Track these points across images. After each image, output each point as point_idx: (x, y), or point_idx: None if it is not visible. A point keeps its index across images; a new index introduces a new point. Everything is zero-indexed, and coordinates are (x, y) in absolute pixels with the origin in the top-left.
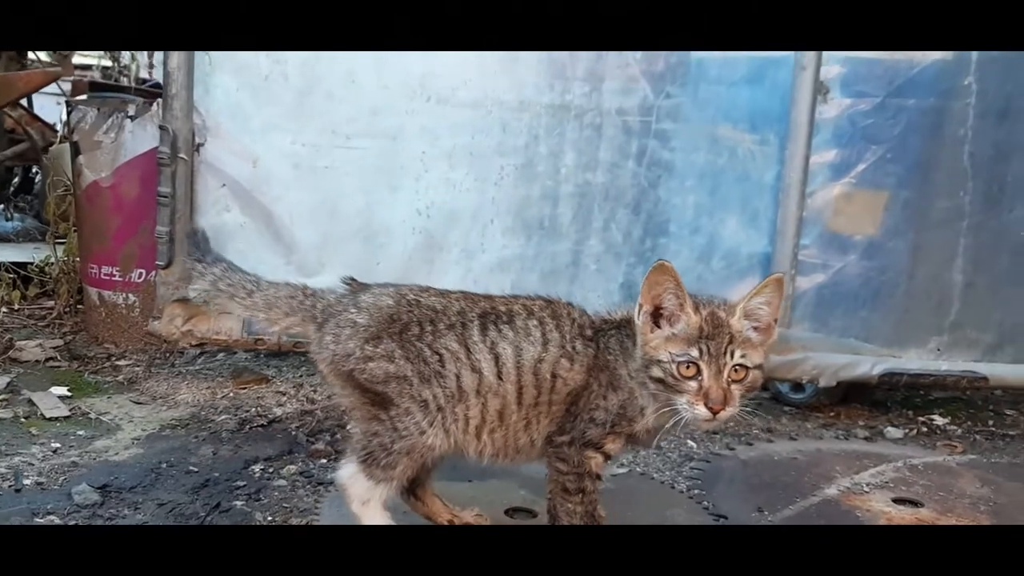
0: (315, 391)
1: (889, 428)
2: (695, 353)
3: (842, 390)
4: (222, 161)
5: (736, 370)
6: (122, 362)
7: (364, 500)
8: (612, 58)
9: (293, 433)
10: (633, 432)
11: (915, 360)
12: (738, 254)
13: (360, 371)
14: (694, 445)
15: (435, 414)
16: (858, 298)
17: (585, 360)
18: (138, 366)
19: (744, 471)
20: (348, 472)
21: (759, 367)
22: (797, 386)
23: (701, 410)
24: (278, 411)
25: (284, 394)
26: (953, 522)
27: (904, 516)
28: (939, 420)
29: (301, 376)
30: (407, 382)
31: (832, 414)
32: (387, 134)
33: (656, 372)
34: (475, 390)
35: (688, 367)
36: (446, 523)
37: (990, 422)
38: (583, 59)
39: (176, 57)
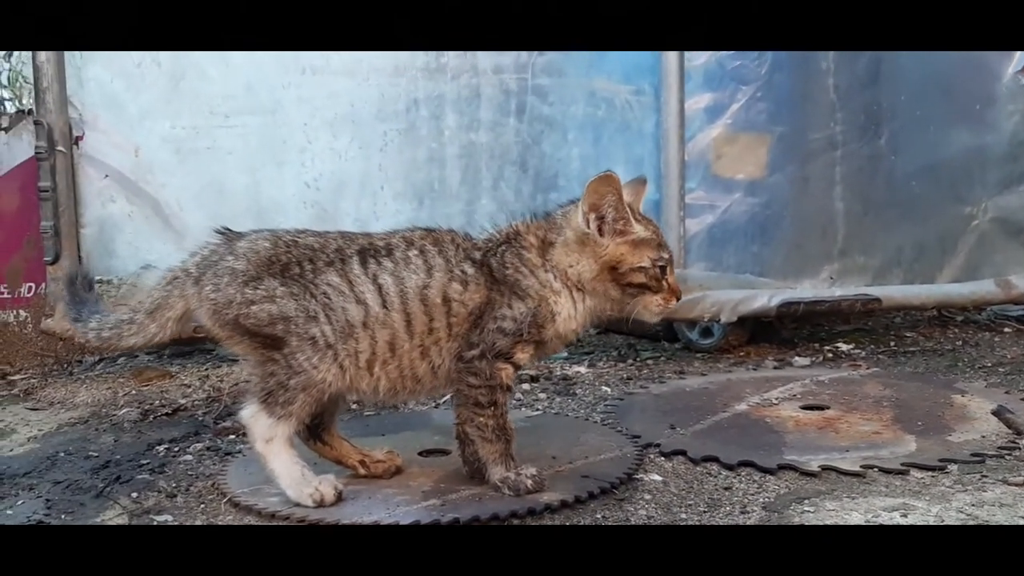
0: (221, 381)
1: (796, 358)
2: (666, 256)
3: (748, 330)
4: (103, 153)
5: None
6: (17, 377)
7: (267, 438)
8: None
9: (200, 418)
10: (542, 339)
11: (810, 289)
12: None
13: (245, 316)
14: (608, 389)
15: (325, 350)
16: (748, 235)
17: (480, 279)
18: (34, 378)
19: (657, 402)
20: (250, 412)
21: None
22: (705, 332)
23: (673, 303)
24: (183, 401)
25: (189, 386)
26: (858, 418)
27: (811, 417)
28: (844, 347)
29: (207, 369)
30: (292, 321)
31: (742, 354)
32: (266, 109)
33: (638, 278)
34: (362, 323)
35: (664, 270)
36: (357, 463)
37: (892, 343)
38: None
39: (44, 51)
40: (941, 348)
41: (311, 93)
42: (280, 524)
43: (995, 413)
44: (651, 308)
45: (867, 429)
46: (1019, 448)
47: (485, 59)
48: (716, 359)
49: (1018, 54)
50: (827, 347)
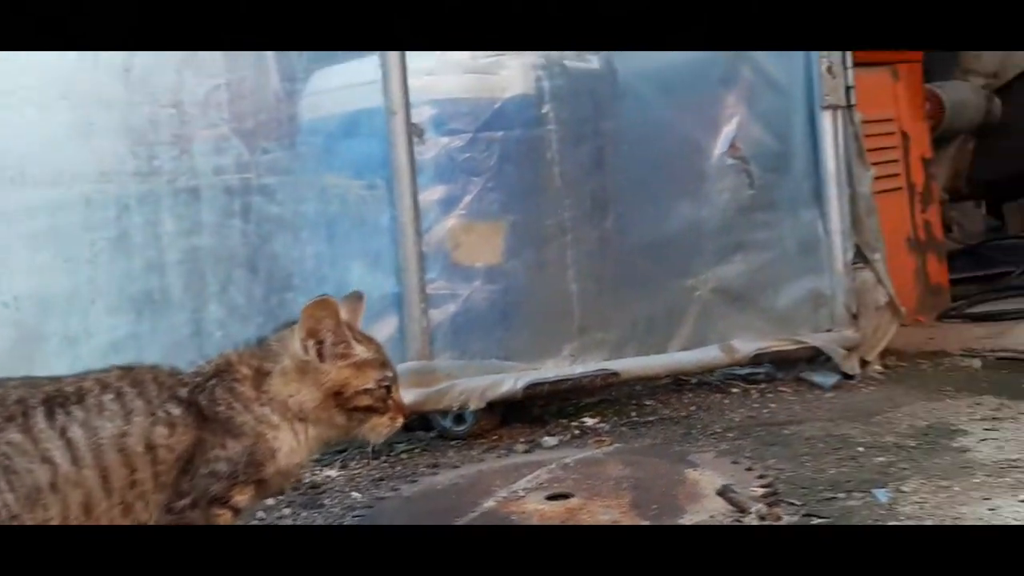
0: None
1: (546, 438)
2: (390, 374)
3: (499, 414)
4: None
5: None
6: None
7: None
8: (198, 120)
9: None
10: (262, 478)
11: (553, 369)
12: (369, 297)
13: None
14: (358, 495)
15: (8, 523)
16: (491, 321)
17: (188, 420)
18: None
19: (407, 507)
20: None
21: None
22: (458, 419)
23: (400, 420)
24: None
25: None
26: (598, 505)
27: (555, 509)
28: (590, 421)
29: None
30: None
31: (495, 437)
32: None
33: (364, 400)
34: (50, 485)
35: (390, 389)
36: None
37: (633, 414)
38: (165, 123)
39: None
40: (677, 415)
41: (5, 207)
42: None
43: (720, 493)
44: (379, 430)
45: (606, 518)
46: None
47: (202, 161)
48: (470, 446)
49: (723, 135)
50: (574, 423)
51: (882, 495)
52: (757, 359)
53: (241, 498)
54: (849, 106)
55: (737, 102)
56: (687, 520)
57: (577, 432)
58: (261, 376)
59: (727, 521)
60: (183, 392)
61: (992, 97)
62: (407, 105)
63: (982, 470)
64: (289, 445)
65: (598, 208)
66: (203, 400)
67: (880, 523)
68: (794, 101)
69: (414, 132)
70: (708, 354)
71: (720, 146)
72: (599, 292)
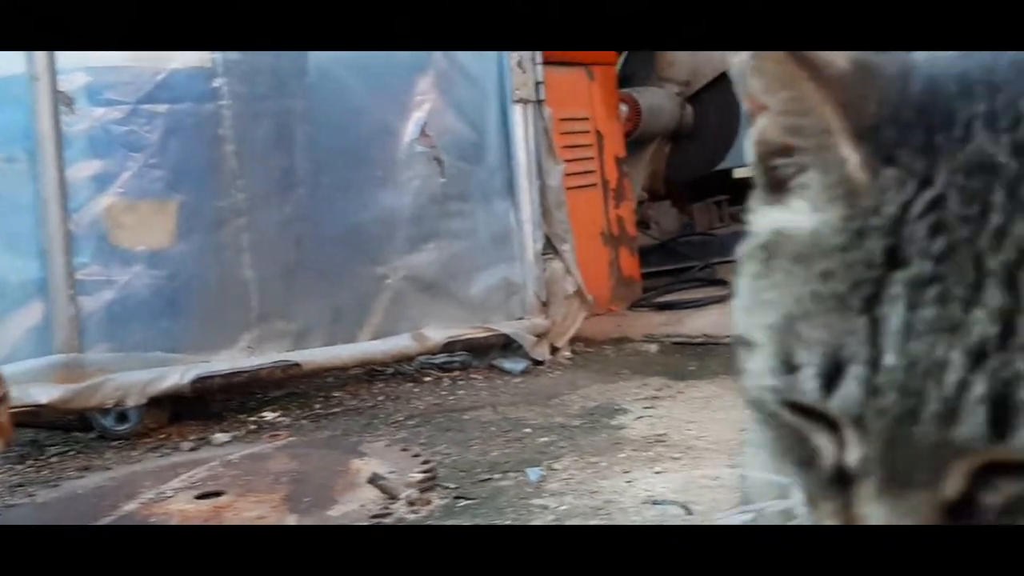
0: None
1: (217, 434)
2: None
3: (168, 410)
4: None
5: None
6: None
7: None
8: None
9: None
10: None
11: (227, 361)
12: (7, 283)
13: None
14: None
15: None
16: (154, 309)
17: None
18: None
19: (39, 513)
20: None
21: None
22: (121, 417)
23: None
24: None
25: None
26: (250, 502)
27: (201, 509)
28: (269, 416)
29: None
30: None
31: (163, 436)
32: None
33: None
34: None
35: None
36: None
37: (317, 406)
38: None
39: None
40: (363, 406)
41: None
42: None
43: (370, 481)
44: None
45: (254, 514)
46: (391, 513)
47: None
48: (133, 445)
49: (412, 122)
50: (252, 418)
51: (534, 474)
52: (449, 347)
53: None
54: (539, 101)
55: (430, 89)
56: (337, 510)
57: (254, 427)
58: None
59: (376, 510)
60: None
61: (685, 104)
62: (53, 70)
63: (630, 445)
64: None
65: (280, 190)
66: None
67: (525, 500)
68: (487, 93)
69: (62, 100)
70: (399, 343)
71: (411, 133)
72: (280, 279)
